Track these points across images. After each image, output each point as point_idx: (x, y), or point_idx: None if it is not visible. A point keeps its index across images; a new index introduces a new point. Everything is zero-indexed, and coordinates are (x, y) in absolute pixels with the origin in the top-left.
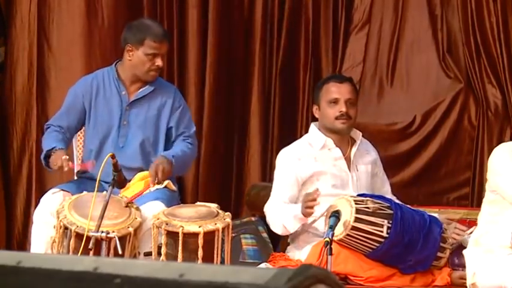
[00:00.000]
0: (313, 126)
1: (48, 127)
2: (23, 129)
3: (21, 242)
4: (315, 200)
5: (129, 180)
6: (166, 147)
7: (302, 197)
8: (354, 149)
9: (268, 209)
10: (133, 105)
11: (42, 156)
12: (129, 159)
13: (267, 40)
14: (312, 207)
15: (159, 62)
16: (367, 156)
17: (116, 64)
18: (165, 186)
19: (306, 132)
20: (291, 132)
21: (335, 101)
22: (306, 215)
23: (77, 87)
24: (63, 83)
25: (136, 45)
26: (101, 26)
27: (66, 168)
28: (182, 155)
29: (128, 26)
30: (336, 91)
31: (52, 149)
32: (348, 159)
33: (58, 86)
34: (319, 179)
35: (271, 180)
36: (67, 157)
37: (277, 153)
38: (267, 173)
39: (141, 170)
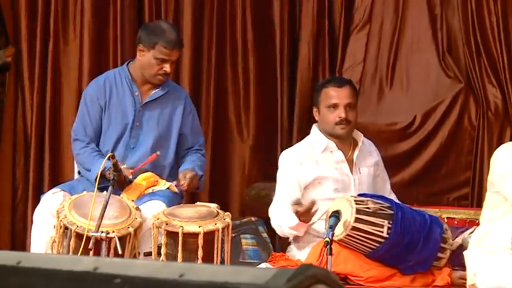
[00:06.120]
0: (314, 128)
1: (77, 139)
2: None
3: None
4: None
5: (132, 181)
6: (177, 152)
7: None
8: (356, 152)
9: (272, 212)
10: (147, 106)
11: (91, 175)
12: (140, 161)
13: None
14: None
15: (167, 68)
16: (369, 158)
17: (127, 64)
18: (168, 188)
19: (299, 132)
20: (289, 133)
21: (334, 106)
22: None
23: (90, 89)
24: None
25: (148, 47)
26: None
27: (130, 176)
28: (202, 170)
29: (144, 26)
30: (335, 96)
31: (106, 169)
32: (350, 162)
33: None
34: (321, 183)
35: (271, 180)
36: (124, 165)
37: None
38: (267, 173)
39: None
